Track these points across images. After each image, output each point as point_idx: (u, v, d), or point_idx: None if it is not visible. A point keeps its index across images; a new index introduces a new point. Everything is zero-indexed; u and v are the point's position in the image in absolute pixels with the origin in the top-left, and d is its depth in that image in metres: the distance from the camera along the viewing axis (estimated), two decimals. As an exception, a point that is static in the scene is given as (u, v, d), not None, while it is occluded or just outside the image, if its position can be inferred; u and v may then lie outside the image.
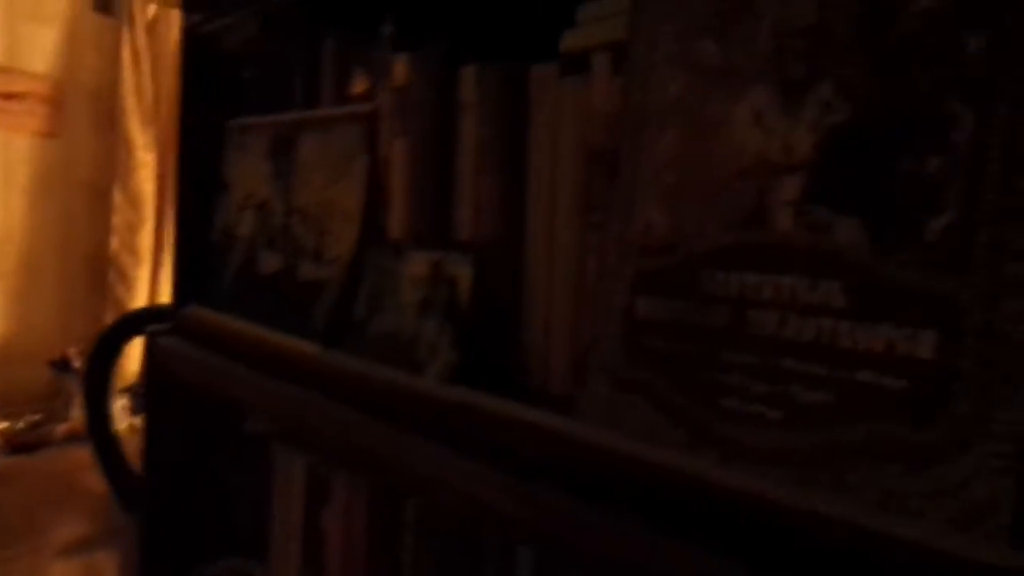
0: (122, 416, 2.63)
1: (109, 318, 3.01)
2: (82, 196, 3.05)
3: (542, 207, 0.65)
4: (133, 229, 3.05)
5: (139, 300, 3.05)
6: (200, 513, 1.08)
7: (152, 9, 3.03)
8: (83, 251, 3.05)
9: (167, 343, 1.02)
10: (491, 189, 0.69)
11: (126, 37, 3.01)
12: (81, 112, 3.03)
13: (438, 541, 0.73)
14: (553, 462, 0.51)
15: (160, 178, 3.12)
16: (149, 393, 1.06)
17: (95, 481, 2.51)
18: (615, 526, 0.45)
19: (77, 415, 2.67)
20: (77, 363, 2.76)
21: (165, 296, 3.16)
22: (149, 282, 3.10)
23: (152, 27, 3.05)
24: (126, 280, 3.05)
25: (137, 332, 1.41)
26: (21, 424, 2.72)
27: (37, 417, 2.76)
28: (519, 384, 0.65)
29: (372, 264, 0.79)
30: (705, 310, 0.47)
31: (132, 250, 3.05)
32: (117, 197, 3.03)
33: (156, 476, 1.07)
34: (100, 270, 3.05)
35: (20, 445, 2.63)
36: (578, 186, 0.62)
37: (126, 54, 3.02)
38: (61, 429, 2.71)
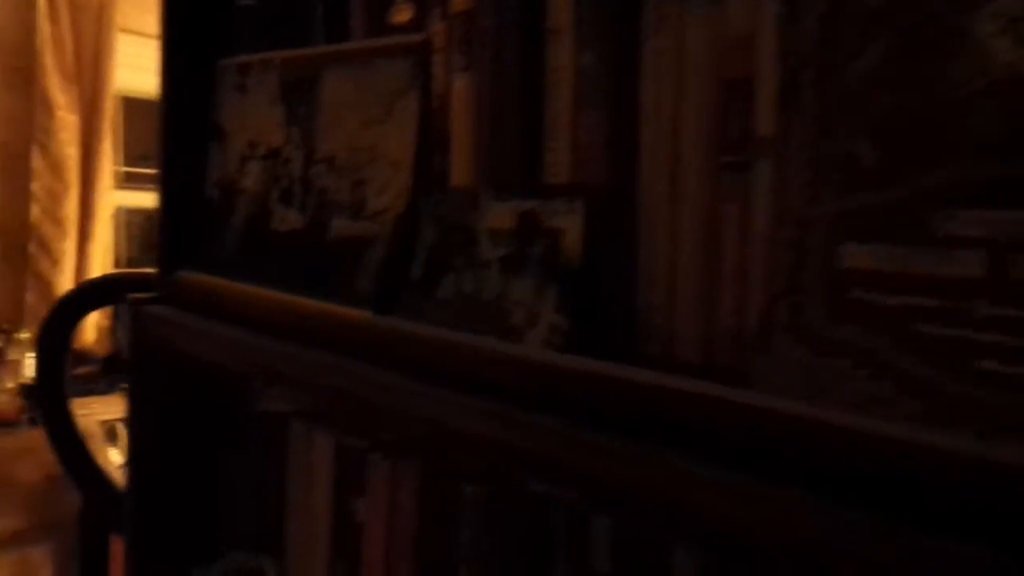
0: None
1: (31, 295, 2.75)
2: (-5, 160, 2.76)
3: (662, 147, 0.56)
4: (56, 197, 2.79)
5: (66, 275, 2.79)
6: (196, 505, 0.95)
7: (74, -47, 2.76)
8: (-2, 221, 2.77)
9: (160, 313, 0.88)
10: (594, 127, 0.59)
11: (43, -16, 2.73)
12: (-8, 68, 2.74)
13: (504, 532, 0.64)
14: (737, 442, 0.43)
15: (84, 141, 2.86)
16: (136, 371, 0.92)
17: (25, 470, 2.29)
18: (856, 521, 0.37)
19: None
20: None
21: (95, 271, 2.91)
22: (76, 255, 2.84)
23: (73, -27, 2.77)
24: (50, 253, 2.78)
25: (100, 303, 1.25)
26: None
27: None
28: (637, 351, 0.56)
29: (432, 217, 0.68)
30: (945, 256, 0.39)
31: (56, 220, 2.79)
32: (36, 162, 2.76)
33: (143, 461, 0.94)
34: (18, 243, 2.77)
35: (-66, 434, 2.38)
36: (711, 122, 0.54)
37: (42, 3, 2.73)
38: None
